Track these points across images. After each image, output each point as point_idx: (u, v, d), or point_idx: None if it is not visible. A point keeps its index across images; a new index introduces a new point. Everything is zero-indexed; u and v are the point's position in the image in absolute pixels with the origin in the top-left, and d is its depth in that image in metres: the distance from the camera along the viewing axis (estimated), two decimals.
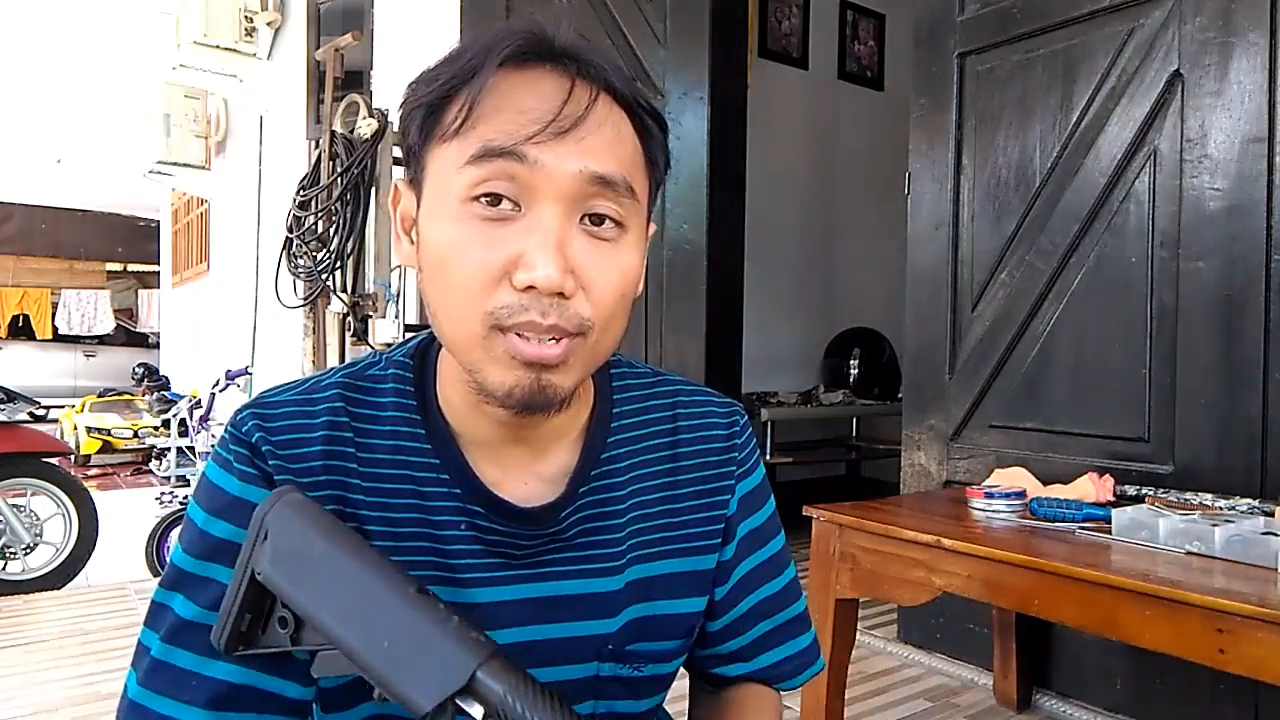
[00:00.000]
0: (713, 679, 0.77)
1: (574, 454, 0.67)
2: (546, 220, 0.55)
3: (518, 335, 0.55)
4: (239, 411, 0.63)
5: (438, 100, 0.57)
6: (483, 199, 0.55)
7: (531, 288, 0.54)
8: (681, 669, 0.76)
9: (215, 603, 0.58)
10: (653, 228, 0.66)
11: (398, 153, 3.07)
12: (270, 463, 0.60)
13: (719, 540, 0.71)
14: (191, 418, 4.72)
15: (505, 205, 0.55)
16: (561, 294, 0.55)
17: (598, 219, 0.57)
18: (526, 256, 0.54)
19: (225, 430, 0.63)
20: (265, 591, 0.55)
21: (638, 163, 0.60)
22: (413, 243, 0.62)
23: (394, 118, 3.07)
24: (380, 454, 0.63)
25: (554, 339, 0.56)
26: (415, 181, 0.61)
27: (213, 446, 0.64)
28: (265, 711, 0.59)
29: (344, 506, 0.62)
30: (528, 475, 0.65)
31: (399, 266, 3.16)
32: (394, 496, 0.63)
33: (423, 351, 0.67)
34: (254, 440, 0.61)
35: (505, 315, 0.55)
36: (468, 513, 0.63)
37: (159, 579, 0.62)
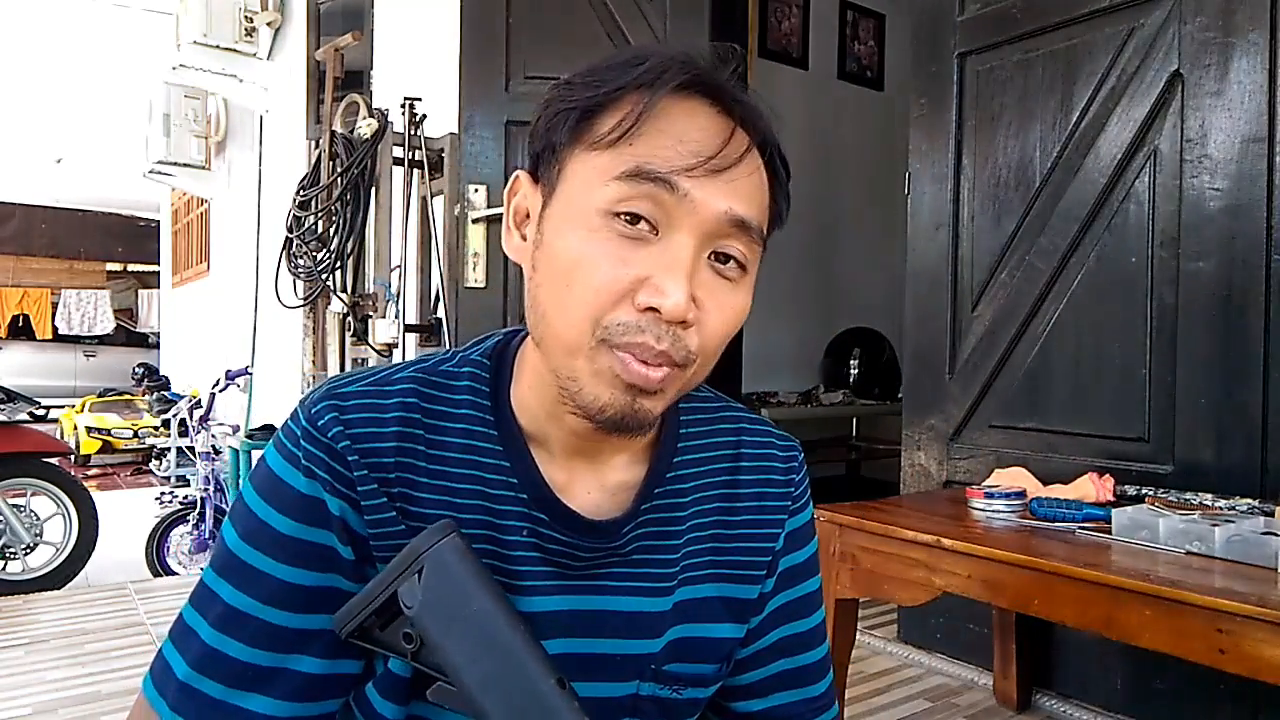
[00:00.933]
0: (725, 714, 0.75)
1: (639, 468, 0.67)
2: (681, 250, 0.56)
3: (626, 354, 0.56)
4: (314, 404, 0.61)
5: (595, 106, 0.57)
6: (623, 216, 0.56)
7: (651, 310, 0.55)
8: None
9: (270, 596, 0.59)
10: None
11: (398, 152, 3.07)
12: (349, 459, 0.59)
13: (764, 573, 0.71)
14: (191, 418, 4.72)
15: (643, 226, 0.56)
16: (682, 323, 0.56)
17: (724, 258, 0.58)
18: (656, 279, 0.55)
19: (296, 421, 0.61)
20: (396, 603, 0.57)
21: (767, 213, 0.61)
22: (524, 238, 0.62)
23: (394, 117, 3.07)
24: (451, 452, 0.63)
25: (660, 365, 0.56)
26: (546, 180, 0.60)
27: (276, 434, 0.61)
28: (327, 698, 0.61)
29: (409, 504, 0.61)
30: (592, 485, 0.65)
31: (399, 266, 3.16)
32: (460, 496, 0.62)
33: (499, 352, 0.67)
34: (331, 436, 0.59)
35: (620, 333, 0.55)
36: (531, 519, 0.63)
37: (210, 558, 0.62)
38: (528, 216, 0.62)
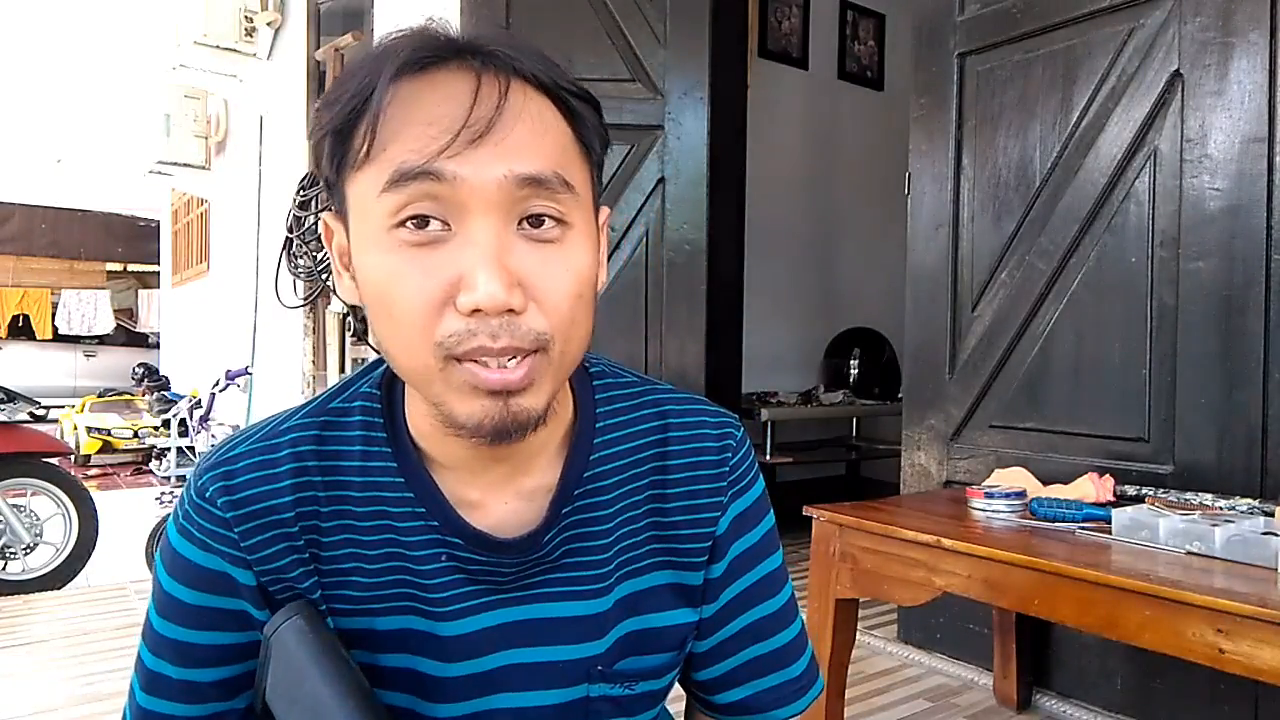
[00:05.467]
0: (708, 707, 0.73)
1: (556, 468, 0.64)
2: (479, 235, 0.51)
3: (475, 362, 0.52)
4: (201, 475, 0.61)
5: (343, 125, 0.53)
6: (409, 223, 0.52)
7: (478, 310, 0.51)
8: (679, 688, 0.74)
9: (184, 659, 0.61)
10: (605, 212, 0.62)
11: None
12: (238, 529, 0.59)
13: (705, 558, 0.68)
14: (191, 418, 4.72)
15: (434, 226, 0.52)
16: (512, 310, 0.52)
17: (536, 220, 0.53)
18: (466, 277, 0.51)
19: (188, 492, 0.61)
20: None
21: (570, 151, 0.56)
22: (354, 278, 0.59)
23: None
24: (352, 491, 0.61)
25: (514, 358, 0.53)
26: (340, 213, 0.58)
27: (175, 506, 0.62)
28: None
29: (319, 550, 0.61)
30: (508, 494, 0.63)
31: None
32: (368, 534, 0.61)
33: (389, 380, 0.65)
34: (220, 506, 0.59)
35: (455, 343, 0.52)
36: (447, 544, 0.61)
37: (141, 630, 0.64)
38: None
